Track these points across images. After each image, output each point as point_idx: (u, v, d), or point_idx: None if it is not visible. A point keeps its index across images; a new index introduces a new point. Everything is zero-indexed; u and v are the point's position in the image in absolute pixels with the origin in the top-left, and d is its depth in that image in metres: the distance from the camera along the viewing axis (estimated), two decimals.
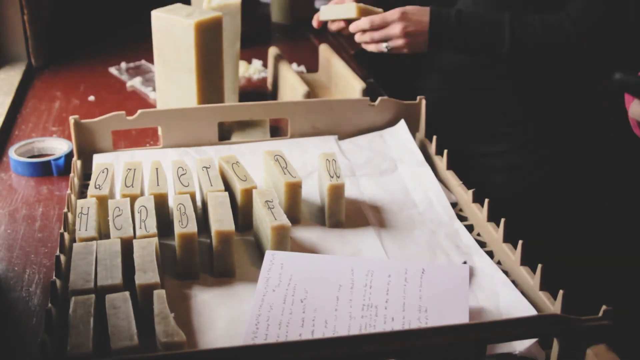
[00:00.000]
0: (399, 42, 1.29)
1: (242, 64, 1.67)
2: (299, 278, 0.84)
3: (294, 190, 0.98)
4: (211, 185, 0.97)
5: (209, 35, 1.20)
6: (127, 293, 0.76)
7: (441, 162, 1.13)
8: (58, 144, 1.26)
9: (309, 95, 1.34)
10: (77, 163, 1.11)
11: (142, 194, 0.98)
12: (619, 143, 1.16)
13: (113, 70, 1.66)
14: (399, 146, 1.19)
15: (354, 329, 0.78)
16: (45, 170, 1.19)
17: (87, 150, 1.14)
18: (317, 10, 1.88)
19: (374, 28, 1.30)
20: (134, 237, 0.86)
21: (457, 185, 1.07)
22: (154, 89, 1.54)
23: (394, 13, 1.29)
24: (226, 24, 1.31)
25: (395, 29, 1.28)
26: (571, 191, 1.20)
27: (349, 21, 1.40)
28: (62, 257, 0.85)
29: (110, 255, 0.82)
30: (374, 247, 0.95)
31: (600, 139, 1.24)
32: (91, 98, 1.52)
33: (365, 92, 1.36)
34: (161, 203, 0.95)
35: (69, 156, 1.21)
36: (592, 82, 1.34)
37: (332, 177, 0.98)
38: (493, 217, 0.98)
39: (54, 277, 0.80)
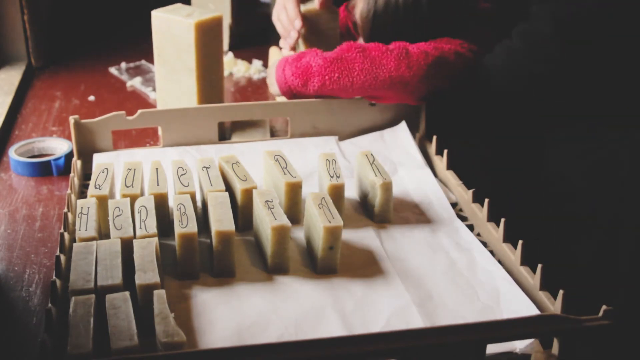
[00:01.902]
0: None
1: (242, 64, 1.67)
2: None
3: (294, 190, 0.98)
4: (211, 185, 0.97)
5: (209, 35, 1.20)
6: (127, 293, 0.76)
7: (441, 162, 1.13)
8: (58, 144, 1.26)
9: None
10: (77, 163, 1.11)
11: (142, 194, 0.98)
12: (617, 142, 1.16)
13: (113, 70, 1.66)
14: (400, 148, 1.19)
15: None
16: (45, 170, 1.19)
17: (87, 150, 1.14)
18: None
19: None
20: (134, 237, 0.86)
21: (457, 185, 1.07)
22: (154, 89, 1.54)
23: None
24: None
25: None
26: (570, 190, 1.20)
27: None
28: (62, 257, 0.85)
29: (110, 255, 0.82)
30: (373, 247, 0.95)
31: (600, 139, 1.24)
32: (91, 98, 1.52)
33: None
34: (161, 203, 0.95)
35: (69, 156, 1.21)
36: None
37: (332, 177, 0.98)
38: (493, 217, 0.98)
39: (54, 277, 0.80)
